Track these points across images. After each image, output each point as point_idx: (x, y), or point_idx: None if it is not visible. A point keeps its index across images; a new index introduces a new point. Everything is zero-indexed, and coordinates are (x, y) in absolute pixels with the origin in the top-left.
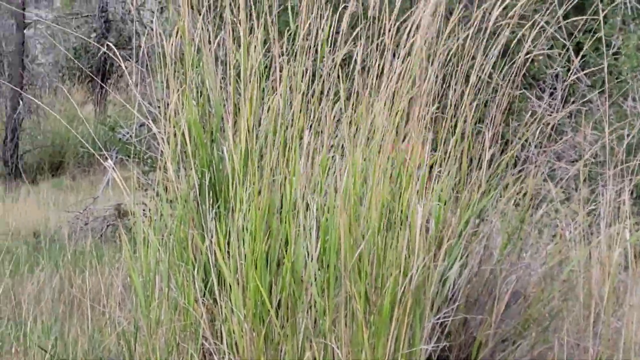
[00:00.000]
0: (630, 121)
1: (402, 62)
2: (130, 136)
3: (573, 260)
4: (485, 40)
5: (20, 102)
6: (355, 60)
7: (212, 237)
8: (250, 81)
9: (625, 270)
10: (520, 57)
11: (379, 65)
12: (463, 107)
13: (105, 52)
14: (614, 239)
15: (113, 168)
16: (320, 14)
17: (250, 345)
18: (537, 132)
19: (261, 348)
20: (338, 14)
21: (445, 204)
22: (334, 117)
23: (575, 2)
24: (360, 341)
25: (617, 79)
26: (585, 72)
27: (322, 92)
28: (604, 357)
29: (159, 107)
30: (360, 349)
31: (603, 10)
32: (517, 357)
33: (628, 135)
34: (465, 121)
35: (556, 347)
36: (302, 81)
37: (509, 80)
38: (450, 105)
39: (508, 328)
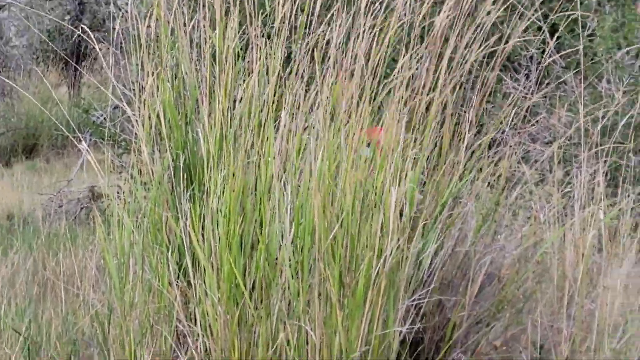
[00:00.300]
0: (605, 103)
1: (377, 43)
2: (105, 119)
3: (547, 242)
4: (461, 22)
5: None
6: (329, 42)
7: (186, 219)
8: (226, 62)
9: (599, 252)
10: (501, 45)
11: (353, 47)
12: (439, 89)
13: (79, 35)
14: (588, 221)
15: (87, 150)
16: None
17: (224, 328)
18: (512, 114)
19: (235, 330)
20: None
21: (421, 186)
22: (309, 99)
23: None
24: (334, 323)
25: (591, 60)
26: (560, 54)
27: (297, 74)
28: (577, 338)
29: (133, 89)
30: (334, 330)
31: None
32: (490, 339)
33: (603, 117)
34: (441, 104)
35: (530, 329)
36: (278, 63)
37: (486, 62)
38: (425, 87)
39: (482, 310)
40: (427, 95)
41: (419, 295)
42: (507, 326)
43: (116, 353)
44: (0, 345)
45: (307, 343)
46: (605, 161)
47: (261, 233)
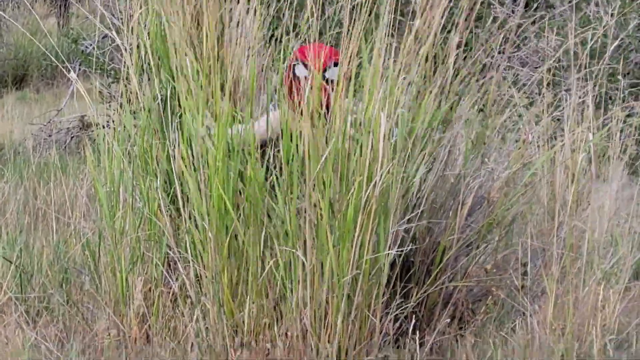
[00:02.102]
0: (594, 26)
1: None
2: (93, 48)
3: (536, 163)
4: None
5: None
6: None
7: (174, 147)
8: None
9: (588, 174)
10: None
11: None
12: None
13: None
14: (577, 143)
15: (76, 80)
16: None
17: (215, 254)
18: (501, 38)
19: (225, 256)
20: None
21: (408, 111)
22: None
23: None
24: (324, 247)
25: None
26: None
27: None
28: (567, 260)
29: (121, 18)
30: (324, 254)
31: None
32: (480, 262)
33: (591, 40)
34: (429, 27)
35: (520, 251)
36: None
37: None
38: (414, 11)
39: (472, 233)
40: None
41: (409, 219)
42: (496, 248)
43: (107, 280)
44: None
45: (298, 268)
46: (594, 84)
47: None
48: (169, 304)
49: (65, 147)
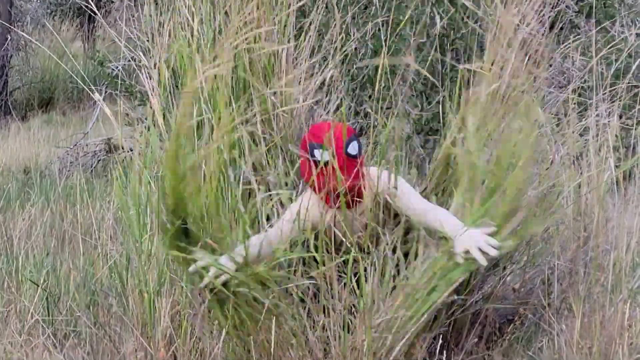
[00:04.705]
0: (619, 47)
1: None
2: (119, 70)
3: (563, 184)
4: None
5: (9, 38)
6: None
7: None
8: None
9: (613, 192)
10: None
11: None
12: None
13: None
14: (603, 163)
15: (102, 102)
16: None
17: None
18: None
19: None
20: None
21: None
22: None
23: None
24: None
25: (604, 4)
26: None
27: None
28: (594, 279)
29: (147, 40)
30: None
31: None
32: (508, 281)
33: (616, 60)
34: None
35: (546, 270)
36: None
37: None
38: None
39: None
40: None
41: None
42: (524, 268)
43: (135, 302)
44: (19, 297)
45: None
46: (619, 104)
47: None
48: (196, 325)
49: (91, 170)
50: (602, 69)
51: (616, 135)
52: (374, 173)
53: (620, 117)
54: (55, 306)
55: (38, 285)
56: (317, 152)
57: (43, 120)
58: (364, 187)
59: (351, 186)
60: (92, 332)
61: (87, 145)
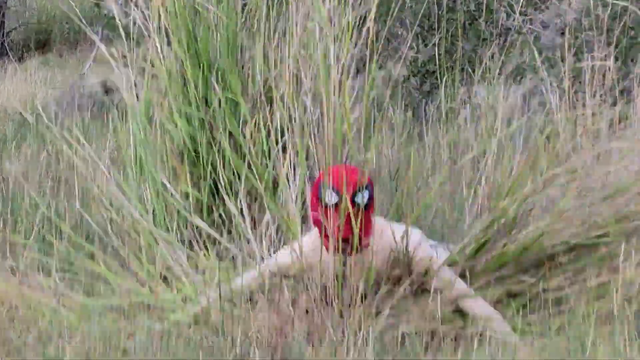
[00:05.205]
0: None
1: None
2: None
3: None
4: None
5: None
6: None
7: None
8: None
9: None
10: None
11: None
12: None
13: None
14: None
15: (100, 42)
16: None
17: None
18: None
19: None
20: None
21: None
22: None
23: None
24: None
25: None
26: None
27: None
28: None
29: None
30: None
31: None
32: None
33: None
34: None
35: None
36: None
37: None
38: None
39: None
40: None
41: None
42: None
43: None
44: (15, 237)
45: None
46: (615, 45)
47: None
48: None
49: (88, 111)
50: (599, 10)
51: (612, 78)
52: (381, 225)
53: (617, 58)
54: (51, 246)
55: (34, 226)
56: (326, 194)
57: (40, 61)
58: (365, 236)
59: (346, 236)
60: (88, 271)
61: (83, 86)
